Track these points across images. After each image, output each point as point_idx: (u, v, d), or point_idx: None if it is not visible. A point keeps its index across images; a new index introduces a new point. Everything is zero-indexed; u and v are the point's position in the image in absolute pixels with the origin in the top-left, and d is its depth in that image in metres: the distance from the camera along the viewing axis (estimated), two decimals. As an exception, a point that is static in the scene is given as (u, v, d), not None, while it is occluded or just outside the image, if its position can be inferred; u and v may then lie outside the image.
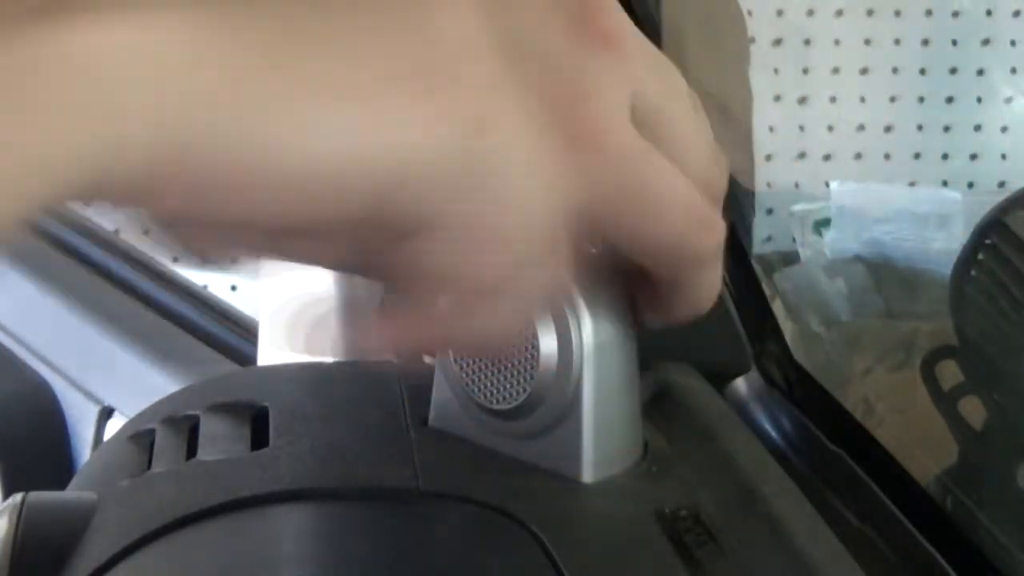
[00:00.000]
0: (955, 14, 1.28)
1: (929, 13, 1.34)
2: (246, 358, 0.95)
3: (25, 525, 0.35)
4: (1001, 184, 1.22)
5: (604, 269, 0.35)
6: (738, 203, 0.55)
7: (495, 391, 0.36)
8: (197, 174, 0.24)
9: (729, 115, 0.56)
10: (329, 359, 0.56)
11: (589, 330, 0.35)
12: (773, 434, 0.50)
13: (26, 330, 1.01)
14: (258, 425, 0.39)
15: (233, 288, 1.88)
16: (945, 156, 1.28)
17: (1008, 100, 1.23)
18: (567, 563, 0.31)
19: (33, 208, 0.22)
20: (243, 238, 0.29)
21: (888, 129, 1.28)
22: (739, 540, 0.34)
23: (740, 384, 0.51)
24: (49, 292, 1.00)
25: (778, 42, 1.10)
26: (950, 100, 1.32)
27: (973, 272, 0.58)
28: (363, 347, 0.31)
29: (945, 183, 1.26)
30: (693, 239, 0.33)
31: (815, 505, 0.37)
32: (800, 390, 0.51)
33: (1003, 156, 1.24)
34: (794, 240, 0.78)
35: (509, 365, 0.36)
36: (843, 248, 0.76)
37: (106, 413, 0.95)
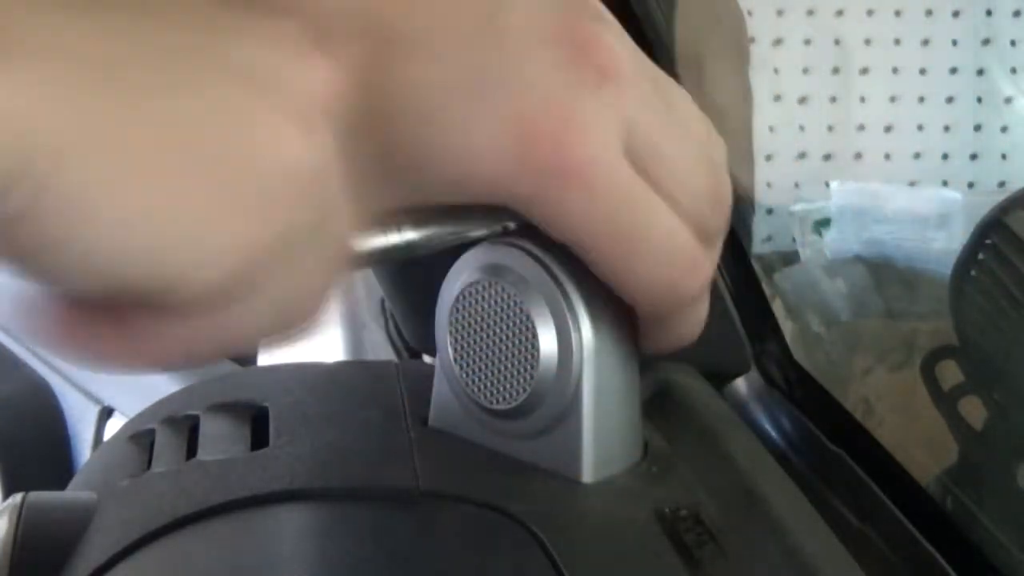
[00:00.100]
0: (955, 14, 1.28)
1: (929, 13, 1.34)
2: (246, 358, 0.95)
3: (25, 525, 0.35)
4: (1001, 184, 1.22)
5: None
6: (738, 203, 0.55)
7: (495, 391, 0.36)
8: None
9: (729, 116, 0.56)
10: (329, 359, 0.56)
11: (589, 330, 0.35)
12: (773, 434, 0.50)
13: (26, 330, 1.01)
14: (258, 425, 0.39)
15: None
16: (945, 156, 1.28)
17: (1008, 100, 1.23)
18: (567, 563, 0.31)
19: None
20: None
21: (888, 129, 1.28)
22: (739, 540, 0.34)
23: (740, 384, 0.51)
24: (49, 292, 1.00)
25: (778, 42, 1.10)
26: (950, 100, 1.32)
27: (973, 272, 0.58)
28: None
29: (945, 183, 1.26)
30: (678, 282, 0.33)
31: (815, 505, 0.37)
32: (800, 390, 0.51)
33: (1003, 156, 1.24)
34: (794, 240, 0.78)
35: (509, 365, 0.36)
36: (843, 248, 0.76)
37: (106, 413, 0.95)
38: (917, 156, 1.31)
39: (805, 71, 1.17)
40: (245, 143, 0.23)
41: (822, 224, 0.79)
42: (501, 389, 0.36)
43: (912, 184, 1.26)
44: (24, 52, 0.20)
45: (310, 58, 0.26)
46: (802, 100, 1.10)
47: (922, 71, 1.33)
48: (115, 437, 0.42)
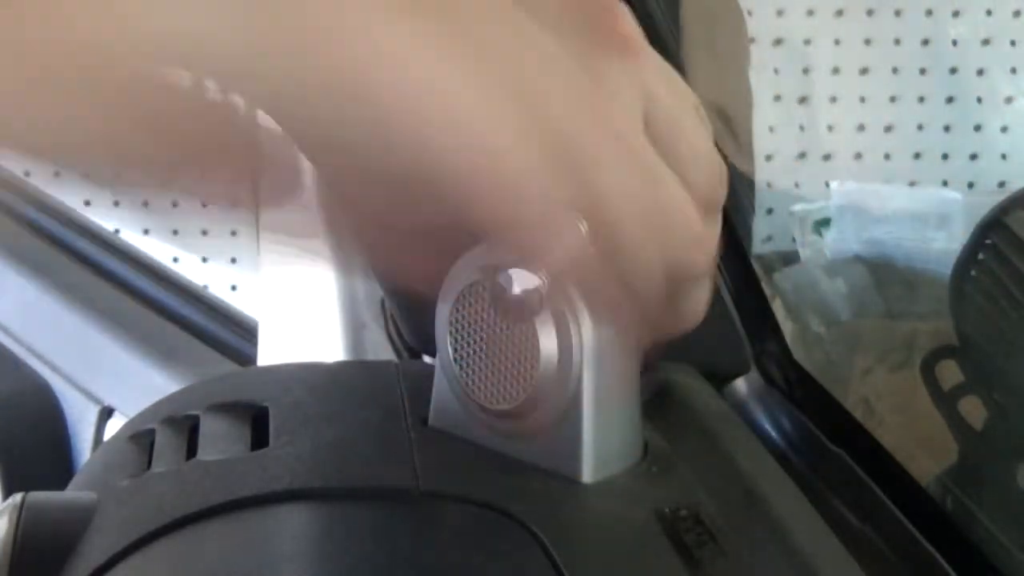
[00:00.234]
0: (955, 14, 1.28)
1: (929, 13, 1.34)
2: (246, 358, 0.95)
3: (25, 525, 0.35)
4: (1001, 184, 1.22)
5: (604, 269, 0.35)
6: (738, 203, 0.55)
7: (495, 391, 0.36)
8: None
9: (729, 116, 0.56)
10: (329, 359, 0.56)
11: (589, 330, 0.35)
12: (773, 434, 0.50)
13: (26, 330, 1.01)
14: (258, 425, 0.39)
15: (233, 288, 1.89)
16: (945, 156, 1.28)
17: (1008, 100, 1.23)
18: (567, 563, 0.31)
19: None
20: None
21: (888, 129, 1.28)
22: (739, 540, 0.34)
23: (740, 384, 0.51)
24: (49, 292, 1.00)
25: (778, 42, 1.10)
26: (950, 100, 1.32)
27: (973, 272, 0.58)
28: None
29: (945, 183, 1.26)
30: (689, 256, 0.33)
31: (815, 505, 0.37)
32: (800, 390, 0.51)
33: (1003, 156, 1.24)
34: (794, 240, 0.78)
35: (509, 365, 0.36)
36: (843, 248, 0.76)
37: (106, 413, 0.95)
38: (917, 156, 1.31)
39: (805, 71, 1.17)
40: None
41: (822, 224, 0.79)
42: (501, 389, 0.36)
43: (912, 184, 1.26)
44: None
45: None
46: (802, 100, 1.10)
47: (922, 71, 1.33)
48: (115, 437, 0.42)
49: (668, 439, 0.39)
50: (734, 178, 0.36)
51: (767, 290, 0.55)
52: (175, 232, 1.96)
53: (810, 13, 1.21)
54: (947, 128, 1.31)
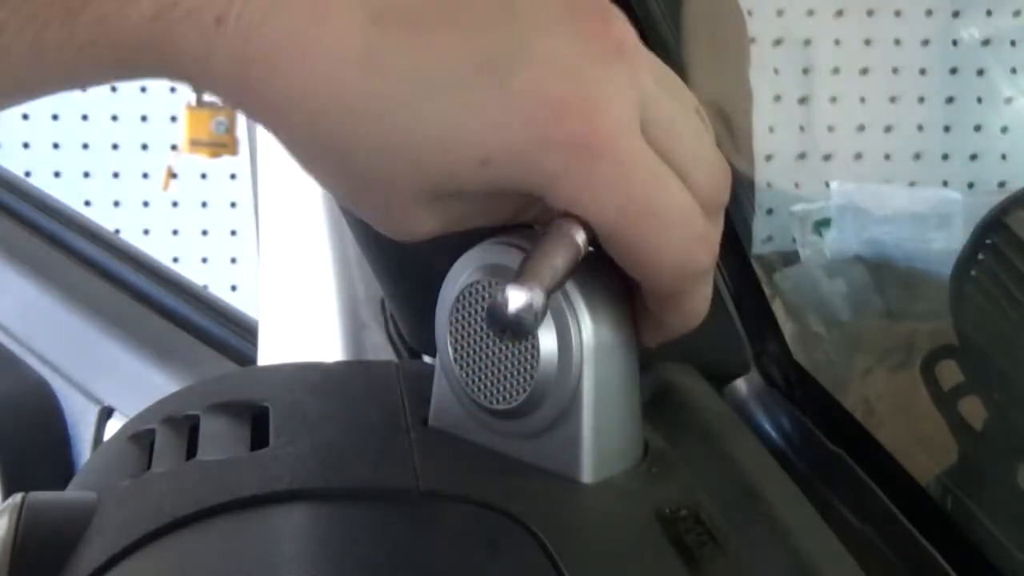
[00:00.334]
0: (955, 14, 1.28)
1: (929, 13, 1.34)
2: (246, 358, 0.95)
3: (25, 525, 0.35)
4: (1001, 184, 1.22)
5: (604, 269, 0.35)
6: (738, 203, 0.55)
7: (495, 391, 0.36)
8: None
9: (729, 116, 0.56)
10: (329, 359, 0.56)
11: (589, 330, 0.35)
12: (773, 434, 0.50)
13: (26, 330, 1.01)
14: (258, 425, 0.39)
15: (233, 288, 1.89)
16: (945, 156, 1.28)
17: (1008, 100, 1.22)
18: (567, 563, 0.31)
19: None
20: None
21: (888, 129, 1.28)
22: (739, 540, 0.34)
23: (740, 384, 0.51)
24: (49, 292, 1.00)
25: (778, 42, 1.10)
26: (950, 100, 1.32)
27: (973, 272, 0.58)
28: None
29: (945, 183, 1.26)
30: (692, 255, 0.34)
31: (815, 505, 0.37)
32: (800, 390, 0.51)
33: (1003, 156, 1.24)
34: (794, 240, 0.78)
35: (509, 365, 0.36)
36: (843, 248, 0.75)
37: (106, 413, 0.95)
38: (917, 156, 1.31)
39: (805, 71, 1.17)
40: None
41: (822, 224, 0.79)
42: (501, 389, 0.36)
43: (912, 184, 1.25)
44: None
45: None
46: (802, 100, 1.10)
47: (922, 71, 1.33)
48: (115, 437, 0.42)
49: (668, 439, 0.39)
50: (734, 178, 0.36)
51: (767, 290, 0.55)
52: (175, 232, 1.96)
53: (810, 13, 1.20)
54: (947, 128, 1.31)
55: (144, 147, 1.92)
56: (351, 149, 0.31)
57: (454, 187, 0.32)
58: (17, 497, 0.36)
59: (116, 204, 1.93)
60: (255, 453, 0.37)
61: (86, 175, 1.92)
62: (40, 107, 1.83)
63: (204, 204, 1.96)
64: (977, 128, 1.29)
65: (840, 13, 1.26)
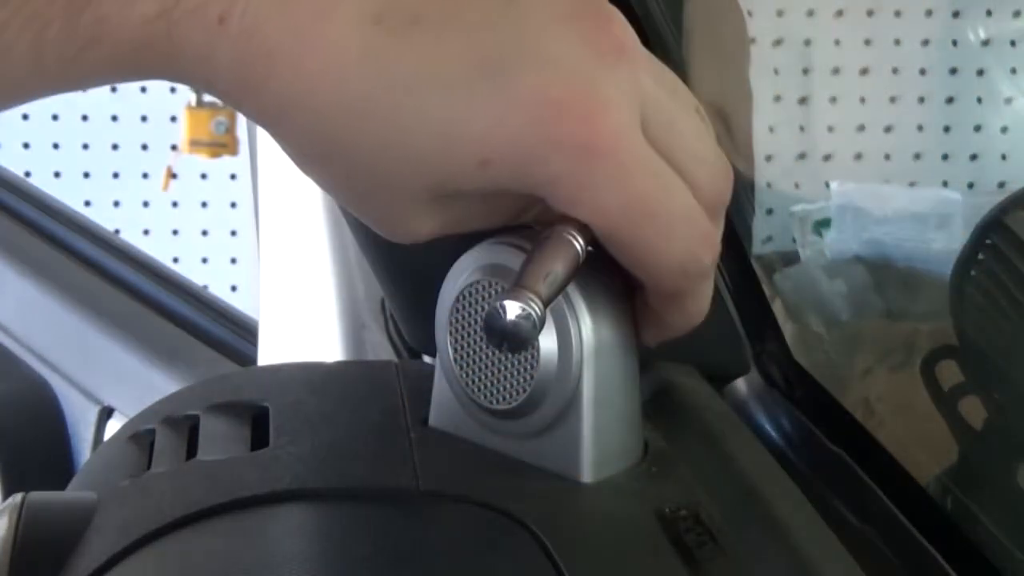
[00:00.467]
0: (955, 14, 1.28)
1: (929, 13, 1.34)
2: (246, 358, 0.95)
3: (25, 525, 0.35)
4: (1001, 184, 1.22)
5: (604, 269, 0.35)
6: (738, 203, 0.55)
7: (495, 391, 0.36)
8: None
9: (729, 116, 0.56)
10: (329, 359, 0.56)
11: (589, 330, 0.35)
12: (773, 434, 0.50)
13: (26, 330, 1.01)
14: (258, 425, 0.39)
15: (233, 288, 1.89)
16: (945, 156, 1.28)
17: (1008, 100, 1.22)
18: (567, 563, 0.31)
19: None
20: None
21: (888, 129, 1.28)
22: (739, 540, 0.34)
23: (740, 384, 0.51)
24: (49, 292, 1.00)
25: (778, 42, 1.10)
26: (950, 101, 1.32)
27: (973, 272, 0.58)
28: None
29: (945, 183, 1.26)
30: (695, 256, 0.34)
31: (815, 505, 0.37)
32: (800, 390, 0.51)
33: (1003, 156, 1.24)
34: (794, 240, 0.78)
35: (509, 365, 0.36)
36: (843, 248, 0.75)
37: (106, 413, 0.95)
38: (917, 157, 1.31)
39: (805, 72, 1.17)
40: None
41: (822, 224, 0.79)
42: (501, 389, 0.36)
43: (912, 184, 1.25)
44: None
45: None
46: (802, 101, 1.10)
47: (922, 71, 1.33)
48: (115, 437, 0.42)
49: (668, 439, 0.39)
50: (734, 178, 0.36)
51: (767, 290, 0.55)
52: (175, 232, 1.96)
53: (810, 13, 1.20)
54: (947, 129, 1.31)
55: (144, 147, 1.92)
56: (351, 149, 0.31)
57: (454, 187, 0.32)
58: (17, 497, 0.36)
59: (116, 204, 1.93)
60: (255, 453, 0.37)
61: (86, 175, 1.92)
62: (40, 107, 1.83)
63: (204, 204, 1.96)
64: (977, 128, 1.29)
65: (840, 13, 1.26)
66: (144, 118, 1.91)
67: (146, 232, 1.93)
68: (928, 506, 0.45)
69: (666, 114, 0.33)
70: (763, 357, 0.52)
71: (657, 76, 0.33)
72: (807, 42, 1.21)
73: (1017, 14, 1.10)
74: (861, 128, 1.27)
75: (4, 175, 1.22)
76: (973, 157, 1.28)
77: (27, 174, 1.82)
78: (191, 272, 1.51)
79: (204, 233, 1.97)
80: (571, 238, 0.33)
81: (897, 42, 1.31)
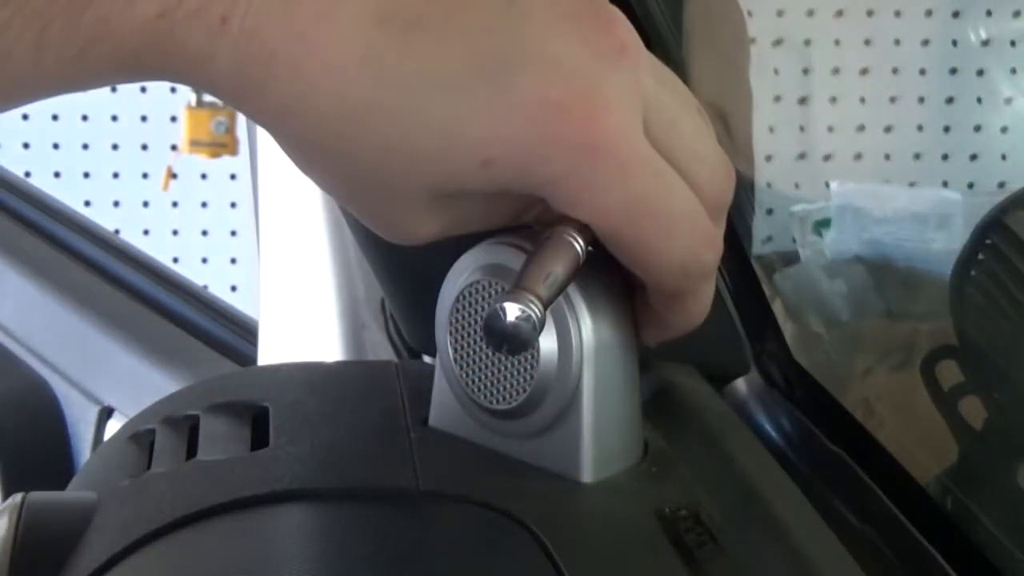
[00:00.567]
0: (955, 14, 1.28)
1: (929, 13, 1.34)
2: (246, 358, 0.95)
3: (25, 525, 0.35)
4: (1001, 184, 1.22)
5: (604, 269, 0.35)
6: (738, 203, 0.55)
7: (495, 391, 0.36)
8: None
9: (728, 116, 0.56)
10: (329, 359, 0.56)
11: (589, 330, 0.35)
12: (773, 434, 0.50)
13: (26, 330, 1.01)
14: (258, 425, 0.39)
15: (233, 288, 1.89)
16: (945, 156, 1.28)
17: (1008, 101, 1.22)
18: (567, 563, 0.31)
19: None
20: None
21: (888, 129, 1.28)
22: (739, 540, 0.34)
23: (740, 384, 0.51)
24: (49, 292, 1.00)
25: (778, 42, 1.10)
26: (950, 101, 1.32)
27: (973, 272, 0.58)
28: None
29: (945, 183, 1.26)
30: (697, 256, 0.34)
31: (815, 505, 0.37)
32: (800, 390, 0.51)
33: (1003, 156, 1.24)
34: (794, 240, 0.78)
35: (509, 365, 0.36)
36: (843, 248, 0.75)
37: (106, 413, 0.95)
38: (917, 156, 1.31)
39: (805, 72, 1.17)
40: None
41: (822, 224, 0.79)
42: (501, 389, 0.36)
43: (912, 184, 1.25)
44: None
45: None
46: (802, 101, 1.10)
47: (922, 71, 1.33)
48: (115, 437, 0.42)
49: (668, 439, 0.39)
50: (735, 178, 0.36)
51: (767, 290, 0.55)
52: (175, 232, 1.96)
53: (810, 13, 1.20)
54: (947, 129, 1.31)
55: (144, 147, 1.92)
56: (352, 150, 0.31)
57: (457, 188, 0.32)
58: (17, 497, 0.36)
59: (116, 204, 1.93)
60: (255, 453, 0.37)
61: (86, 175, 1.92)
62: (40, 107, 1.83)
63: (204, 204, 1.96)
64: (977, 128, 1.29)
65: (840, 13, 1.26)
66: (144, 118, 1.91)
67: (146, 232, 1.93)
68: (928, 506, 0.45)
69: (667, 114, 0.33)
70: (763, 357, 0.52)
71: (658, 76, 0.33)
72: (807, 42, 1.21)
73: (1017, 14, 1.10)
74: (861, 128, 1.27)
75: (4, 175, 1.22)
76: (973, 157, 1.28)
77: (27, 174, 1.82)
78: (191, 272, 1.51)
79: (204, 233, 1.97)
80: (571, 239, 0.33)
81: (897, 42, 1.31)
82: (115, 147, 1.92)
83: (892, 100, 1.31)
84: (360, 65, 0.30)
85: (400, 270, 0.48)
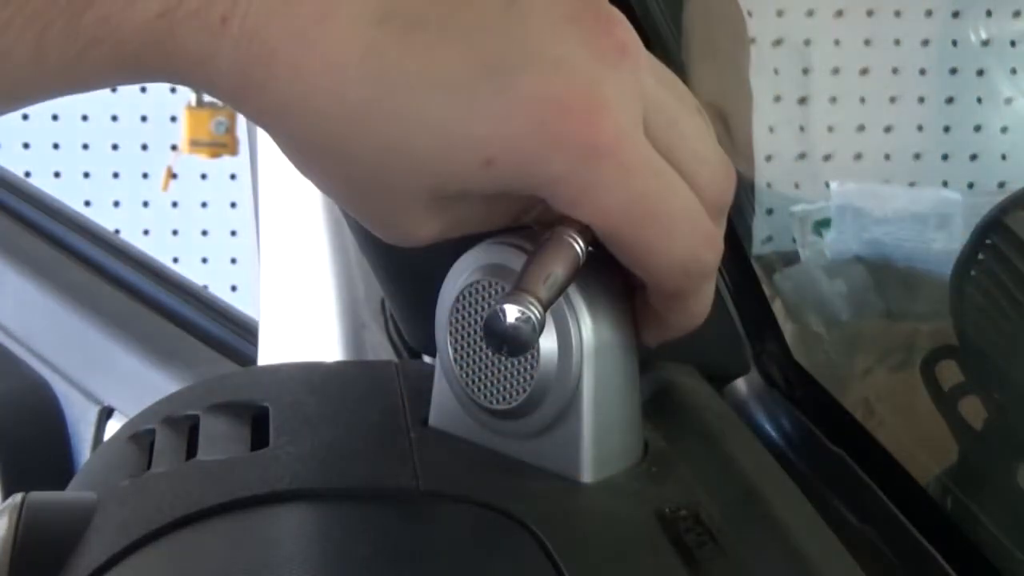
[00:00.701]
0: (955, 14, 1.28)
1: (929, 13, 1.34)
2: (246, 358, 0.95)
3: (25, 525, 0.35)
4: (1001, 184, 1.22)
5: (604, 269, 0.35)
6: (738, 203, 0.55)
7: (495, 391, 0.36)
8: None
9: (728, 117, 0.56)
10: (329, 359, 0.56)
11: (589, 330, 0.35)
12: (773, 434, 0.50)
13: (26, 330, 1.01)
14: (258, 425, 0.39)
15: (233, 288, 1.89)
16: (945, 156, 1.28)
17: (1008, 101, 1.22)
18: (567, 563, 0.31)
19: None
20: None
21: (888, 129, 1.28)
22: (739, 540, 0.34)
23: (740, 384, 0.51)
24: (49, 292, 1.00)
25: (778, 42, 1.10)
26: (950, 101, 1.32)
27: (973, 272, 0.58)
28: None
29: (945, 183, 1.26)
30: (698, 257, 0.34)
31: (815, 505, 0.37)
32: (800, 390, 0.51)
33: (1003, 156, 1.24)
34: (794, 240, 0.78)
35: (509, 365, 0.36)
36: (843, 248, 0.75)
37: (106, 413, 0.95)
38: (917, 156, 1.31)
39: (805, 72, 1.17)
40: None
41: (822, 224, 0.79)
42: (501, 389, 0.36)
43: (912, 184, 1.25)
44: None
45: None
46: (802, 101, 1.10)
47: (922, 72, 1.33)
48: (115, 437, 0.42)
49: (668, 439, 0.39)
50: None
51: (767, 290, 0.55)
52: (175, 232, 1.96)
53: (810, 13, 1.21)
54: (947, 129, 1.31)
55: (144, 147, 1.93)
56: (352, 151, 0.31)
57: (457, 188, 0.32)
58: (17, 497, 0.36)
59: (116, 204, 1.93)
60: (255, 453, 0.37)
61: (86, 175, 1.92)
62: (40, 107, 1.83)
63: (204, 204, 1.96)
64: (977, 128, 1.29)
65: (840, 13, 1.26)
66: (144, 118, 1.91)
67: (146, 232, 1.93)
68: (928, 506, 0.45)
69: (668, 114, 0.33)
70: (763, 357, 0.52)
71: (659, 76, 0.33)
72: (807, 42, 1.21)
73: (1017, 14, 1.10)
74: (861, 128, 1.27)
75: (4, 175, 1.22)
76: (973, 157, 1.28)
77: (27, 174, 1.82)
78: (191, 272, 1.51)
79: (204, 233, 1.97)
80: (571, 240, 0.33)
81: (897, 42, 1.31)
82: (115, 147, 1.92)
83: (892, 100, 1.31)
84: (360, 65, 0.30)
85: (400, 270, 0.48)
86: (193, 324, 1.00)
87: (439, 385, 0.38)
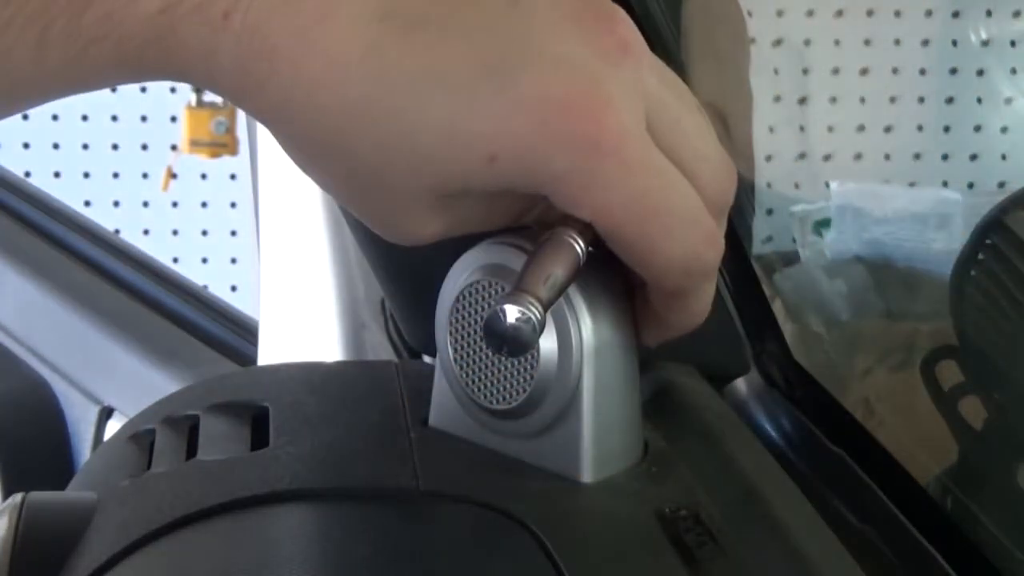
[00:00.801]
0: (955, 14, 1.28)
1: (929, 13, 1.34)
2: (246, 358, 0.95)
3: (25, 525, 0.35)
4: (1001, 184, 1.22)
5: (604, 269, 0.35)
6: (738, 203, 0.55)
7: (495, 391, 0.36)
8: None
9: (727, 117, 0.56)
10: (329, 359, 0.56)
11: (589, 330, 0.35)
12: (773, 434, 0.50)
13: (26, 330, 1.01)
14: (258, 425, 0.39)
15: (233, 288, 1.89)
16: (945, 156, 1.28)
17: (1008, 101, 1.22)
18: (567, 563, 0.31)
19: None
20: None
21: (888, 129, 1.28)
22: (739, 540, 0.34)
23: (740, 384, 0.51)
24: (49, 292, 1.00)
25: (778, 42, 1.10)
26: (950, 101, 1.32)
27: (973, 272, 0.58)
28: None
29: (945, 183, 1.26)
30: (700, 255, 0.34)
31: (815, 505, 0.37)
32: (800, 390, 0.51)
33: (1003, 156, 1.24)
34: (794, 240, 0.78)
35: (509, 365, 0.36)
36: (843, 248, 0.75)
37: (106, 413, 0.95)
38: (917, 156, 1.31)
39: (805, 72, 1.17)
40: None
41: (822, 224, 0.79)
42: (501, 389, 0.36)
43: (912, 184, 1.25)
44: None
45: None
46: (802, 101, 1.10)
47: (922, 72, 1.33)
48: (115, 437, 0.42)
49: (668, 439, 0.39)
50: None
51: (767, 290, 0.55)
52: (175, 232, 1.96)
53: (810, 14, 1.21)
54: (947, 129, 1.31)
55: (144, 147, 1.92)
56: (353, 148, 0.31)
57: (460, 186, 0.32)
58: (17, 497, 0.36)
59: (116, 204, 1.93)
60: (255, 453, 0.37)
61: (86, 175, 1.92)
62: (40, 107, 1.83)
63: (204, 204, 1.96)
64: (977, 128, 1.29)
65: (840, 13, 1.26)
66: (144, 118, 1.91)
67: (146, 232, 1.93)
68: (928, 506, 0.45)
69: (670, 113, 0.33)
70: (763, 357, 0.52)
71: (661, 75, 0.33)
72: (807, 42, 1.21)
73: (1017, 14, 1.10)
74: (861, 128, 1.27)
75: (4, 175, 1.22)
76: (973, 157, 1.28)
77: (27, 174, 1.82)
78: (191, 272, 1.51)
79: (204, 233, 1.97)
80: (572, 240, 0.33)
81: (897, 42, 1.31)
82: (115, 147, 1.92)
83: (892, 100, 1.31)
84: (361, 62, 0.30)
85: (400, 270, 0.48)
86: (193, 324, 1.00)
87: (439, 385, 0.38)
